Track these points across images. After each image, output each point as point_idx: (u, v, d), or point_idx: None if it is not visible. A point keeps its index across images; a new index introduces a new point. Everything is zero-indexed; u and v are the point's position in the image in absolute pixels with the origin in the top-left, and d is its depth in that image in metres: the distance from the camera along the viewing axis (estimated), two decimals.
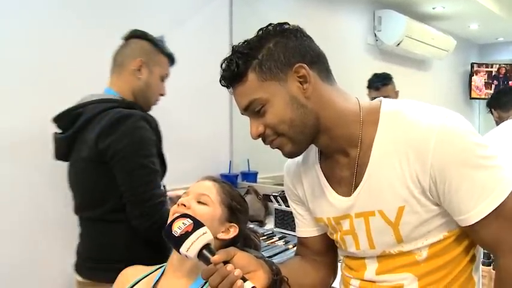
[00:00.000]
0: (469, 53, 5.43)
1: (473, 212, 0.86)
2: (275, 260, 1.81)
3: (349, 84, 3.60)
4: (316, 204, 1.05)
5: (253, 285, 0.88)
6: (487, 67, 5.15)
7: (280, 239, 2.10)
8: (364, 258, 1.01)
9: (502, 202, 0.85)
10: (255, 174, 2.89)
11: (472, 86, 5.20)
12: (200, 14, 2.71)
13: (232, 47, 0.95)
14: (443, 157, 0.85)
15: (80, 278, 1.56)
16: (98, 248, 1.53)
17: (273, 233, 2.21)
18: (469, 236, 0.94)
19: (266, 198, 2.44)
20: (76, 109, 1.56)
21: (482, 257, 1.14)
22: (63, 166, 1.64)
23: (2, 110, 1.92)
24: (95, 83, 1.64)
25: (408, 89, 2.93)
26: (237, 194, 1.30)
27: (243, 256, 0.94)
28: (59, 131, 1.63)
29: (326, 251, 1.13)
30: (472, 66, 5.21)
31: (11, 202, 1.95)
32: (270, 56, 0.91)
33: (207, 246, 0.95)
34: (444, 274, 0.94)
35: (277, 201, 2.27)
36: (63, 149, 1.60)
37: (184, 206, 1.19)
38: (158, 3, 2.49)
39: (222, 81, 0.96)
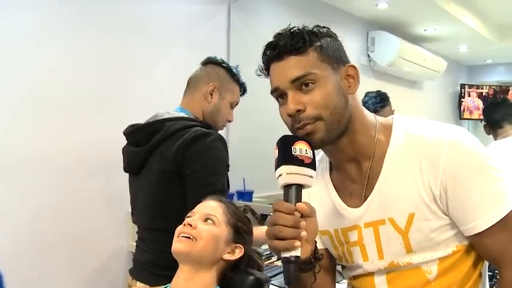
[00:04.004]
0: (458, 74, 5.53)
1: (481, 220, 0.89)
2: (275, 281, 1.80)
3: None
4: (323, 216, 1.04)
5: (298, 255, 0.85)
6: (477, 88, 5.24)
7: (279, 259, 2.06)
8: (373, 276, 1.01)
9: (510, 212, 0.89)
10: (251, 193, 2.87)
11: (463, 107, 5.26)
12: (198, 34, 2.73)
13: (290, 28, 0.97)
14: (455, 164, 0.89)
15: (139, 284, 1.63)
16: (161, 256, 1.57)
17: (271, 253, 2.18)
18: (475, 252, 0.96)
19: (264, 217, 2.41)
20: (154, 124, 1.64)
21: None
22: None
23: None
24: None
25: (401, 108, 2.95)
26: (243, 214, 1.30)
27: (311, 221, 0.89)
28: (130, 145, 1.71)
29: (326, 266, 1.11)
30: (462, 87, 5.29)
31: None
32: (329, 46, 0.96)
33: (300, 187, 0.87)
34: None
35: None
36: (138, 162, 1.66)
37: (191, 226, 1.18)
38: (156, 18, 2.51)
39: (271, 50, 0.96)
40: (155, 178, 1.60)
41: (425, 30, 4.15)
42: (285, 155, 0.86)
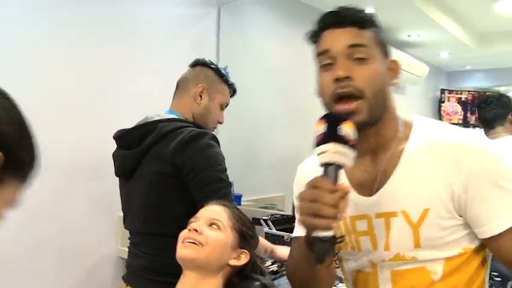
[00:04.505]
0: (439, 79, 5.63)
1: (498, 221, 0.90)
2: None
3: None
4: None
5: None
6: (456, 93, 5.34)
7: (272, 263, 2.06)
8: (376, 274, 1.00)
9: None
10: (239, 197, 2.85)
11: (443, 112, 5.36)
12: (188, 37, 2.71)
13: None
14: (478, 166, 0.91)
15: None
16: (155, 261, 1.55)
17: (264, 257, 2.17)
18: (481, 257, 0.97)
19: (255, 222, 2.40)
20: (145, 126, 1.61)
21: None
22: None
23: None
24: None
25: None
26: (247, 219, 1.28)
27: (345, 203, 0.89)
28: (121, 148, 1.68)
29: None
30: (442, 92, 5.39)
31: None
32: (383, 35, 0.99)
33: (339, 167, 0.86)
34: None
35: (268, 225, 2.24)
36: (130, 165, 1.62)
37: (196, 231, 1.15)
38: (146, 26, 2.48)
39: (332, 17, 0.97)
40: (150, 180, 1.57)
41: (409, 36, 4.21)
42: (334, 133, 0.84)
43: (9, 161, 0.66)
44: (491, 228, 0.91)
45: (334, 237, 0.83)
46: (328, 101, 0.96)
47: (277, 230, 2.17)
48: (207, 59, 1.79)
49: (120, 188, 1.75)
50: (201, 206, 1.45)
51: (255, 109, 3.00)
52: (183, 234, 1.18)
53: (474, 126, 5.02)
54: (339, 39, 0.94)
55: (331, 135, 0.84)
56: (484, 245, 0.97)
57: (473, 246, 0.96)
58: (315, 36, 1.00)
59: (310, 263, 0.92)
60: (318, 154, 0.85)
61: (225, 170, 1.56)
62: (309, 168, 1.12)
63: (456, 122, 5.21)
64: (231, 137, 2.89)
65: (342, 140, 0.84)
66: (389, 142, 1.00)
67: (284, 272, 1.92)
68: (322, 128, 0.86)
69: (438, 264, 0.95)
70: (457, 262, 0.95)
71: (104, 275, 2.29)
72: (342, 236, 0.87)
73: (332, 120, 0.86)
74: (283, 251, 1.78)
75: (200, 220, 1.20)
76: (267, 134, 3.22)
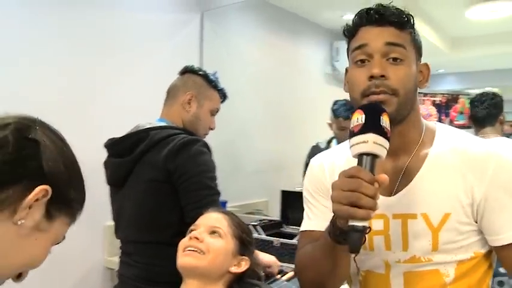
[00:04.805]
0: None
1: None
2: None
3: (308, 110, 3.71)
4: None
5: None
6: (431, 96, 5.46)
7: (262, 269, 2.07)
8: (388, 274, 1.01)
9: None
10: (225, 203, 2.85)
11: None
12: (171, 43, 2.71)
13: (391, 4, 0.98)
14: (502, 177, 0.94)
15: None
16: (148, 270, 1.54)
17: None
18: (488, 262, 1.00)
19: None
20: (137, 134, 1.60)
21: None
22: None
23: None
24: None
25: None
26: (246, 226, 1.30)
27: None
28: (113, 156, 1.66)
29: None
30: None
31: None
32: (418, 37, 1.00)
33: (375, 158, 0.84)
34: None
35: (257, 231, 2.25)
36: (122, 173, 1.61)
37: (197, 239, 1.16)
38: (128, 32, 2.47)
39: (373, 14, 0.96)
40: (143, 188, 1.56)
41: None
42: (375, 123, 0.84)
43: (58, 197, 0.69)
44: (505, 237, 0.94)
45: (367, 228, 0.81)
46: (358, 96, 0.95)
47: (266, 235, 2.19)
48: (195, 66, 1.79)
49: (110, 197, 1.73)
50: (188, 211, 1.46)
51: (238, 115, 3.01)
52: (184, 242, 1.18)
53: None
54: (379, 36, 0.94)
55: (372, 126, 0.83)
56: (491, 250, 1.00)
57: (483, 251, 0.99)
58: (351, 31, 1.00)
59: (333, 254, 0.92)
60: (355, 144, 0.84)
61: (215, 178, 1.56)
62: (325, 163, 1.12)
63: None
64: (214, 142, 2.88)
65: (382, 131, 0.83)
66: (412, 144, 1.00)
67: (273, 278, 1.93)
68: (360, 118, 0.85)
69: (451, 267, 0.97)
70: (468, 266, 0.97)
71: (91, 285, 2.26)
72: (369, 227, 0.84)
73: (372, 111, 0.86)
74: (266, 257, 1.78)
75: (201, 228, 1.20)
76: (250, 140, 3.23)
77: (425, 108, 5.49)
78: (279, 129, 3.41)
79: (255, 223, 2.28)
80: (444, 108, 5.52)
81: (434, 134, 1.02)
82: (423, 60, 1.02)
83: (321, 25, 3.81)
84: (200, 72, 1.76)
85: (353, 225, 0.81)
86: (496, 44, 4.28)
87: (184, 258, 1.16)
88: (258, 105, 3.29)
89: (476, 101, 2.52)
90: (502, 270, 1.53)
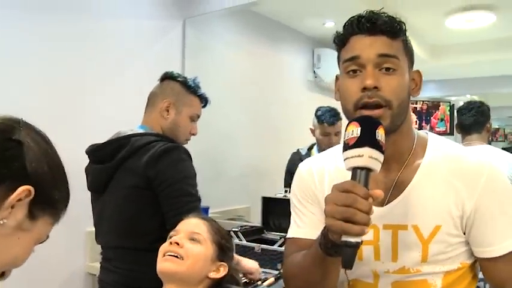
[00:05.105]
0: None
1: (500, 245, 0.94)
2: None
3: (290, 117, 3.73)
4: None
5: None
6: (412, 103, 5.56)
7: (244, 274, 2.08)
8: (377, 286, 1.01)
9: None
10: (207, 209, 2.86)
11: None
12: (153, 50, 2.72)
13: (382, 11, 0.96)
14: (492, 190, 0.94)
15: None
16: (128, 276, 1.55)
17: None
18: (473, 272, 1.01)
19: None
20: (118, 141, 1.60)
21: None
22: None
23: None
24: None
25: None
26: (225, 231, 1.31)
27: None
28: (94, 163, 1.66)
29: None
30: None
31: None
32: (410, 44, 0.99)
33: (369, 172, 0.82)
34: None
35: (238, 237, 2.27)
36: (103, 179, 1.62)
37: (178, 244, 1.17)
38: (110, 39, 2.47)
39: (364, 22, 0.93)
40: (124, 194, 1.57)
41: None
42: (371, 137, 0.82)
43: (41, 197, 0.70)
44: (492, 250, 0.94)
45: (360, 243, 0.79)
46: (351, 108, 0.94)
47: (247, 241, 2.21)
48: (175, 72, 1.78)
49: (92, 202, 1.73)
50: (169, 218, 1.47)
51: (219, 121, 3.03)
52: (164, 247, 1.19)
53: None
54: (371, 47, 0.92)
55: (368, 139, 0.82)
56: (476, 261, 1.00)
57: (470, 262, 0.99)
58: (341, 40, 0.97)
59: (324, 265, 0.91)
60: (350, 157, 0.82)
61: (196, 185, 1.57)
62: (314, 168, 1.10)
63: None
64: (195, 148, 2.89)
65: (377, 145, 0.82)
66: (403, 154, 1.00)
67: (254, 284, 1.94)
68: (356, 130, 0.83)
69: (438, 278, 0.97)
70: (454, 276, 0.98)
71: None
72: (362, 241, 0.82)
73: (368, 124, 0.84)
74: (249, 263, 1.79)
75: (181, 233, 1.22)
76: (233, 146, 3.25)
77: None
78: (261, 136, 3.44)
79: (236, 229, 2.30)
80: (425, 115, 5.62)
81: (426, 144, 1.01)
82: None
83: (303, 32, 3.86)
84: (179, 79, 1.75)
85: (346, 241, 0.79)
86: (474, 52, 4.36)
87: (163, 264, 1.17)
88: (241, 112, 3.31)
89: (464, 109, 2.55)
90: None
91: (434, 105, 5.50)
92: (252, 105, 3.39)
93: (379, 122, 0.86)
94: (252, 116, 3.39)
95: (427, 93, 5.73)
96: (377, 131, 0.83)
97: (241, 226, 2.30)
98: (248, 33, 3.33)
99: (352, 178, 0.82)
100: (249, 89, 3.35)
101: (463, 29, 3.83)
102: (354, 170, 0.82)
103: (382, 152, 0.82)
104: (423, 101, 5.55)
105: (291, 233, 1.12)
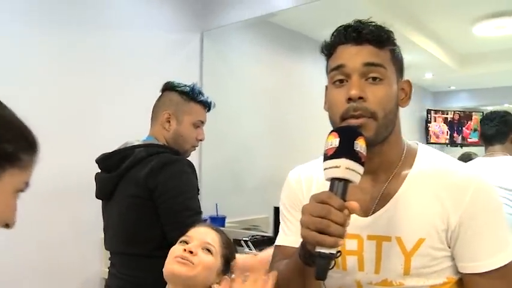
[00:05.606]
0: (424, 100, 5.70)
1: (487, 261, 0.91)
2: None
3: (309, 127, 3.69)
4: None
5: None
6: (442, 113, 5.41)
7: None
8: None
9: (510, 262, 0.91)
10: (223, 218, 2.90)
11: (430, 132, 5.42)
12: (171, 63, 2.78)
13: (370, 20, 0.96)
14: (478, 205, 0.92)
15: None
16: (131, 282, 1.59)
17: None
18: (460, 286, 0.97)
19: (236, 242, 2.43)
20: (124, 151, 1.66)
21: None
22: None
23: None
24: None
25: None
26: (233, 245, 1.32)
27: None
28: (102, 171, 1.72)
29: None
30: (428, 113, 5.46)
31: None
32: (399, 54, 0.99)
33: (347, 184, 0.82)
34: None
35: (248, 246, 2.27)
36: (109, 188, 1.67)
37: (191, 253, 1.17)
38: (129, 52, 2.55)
39: (350, 32, 0.94)
40: (127, 203, 1.62)
41: None
42: (349, 148, 0.82)
43: None
44: (476, 266, 0.92)
45: (335, 254, 0.80)
46: (337, 119, 0.94)
47: (257, 251, 2.20)
48: (174, 82, 1.80)
49: (102, 210, 1.80)
50: (168, 231, 1.49)
51: (239, 132, 3.06)
52: (177, 251, 1.19)
53: (461, 145, 5.08)
54: (357, 56, 0.92)
55: (345, 150, 0.82)
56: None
57: (457, 277, 0.97)
58: (328, 50, 0.99)
59: (304, 274, 0.91)
60: (328, 168, 0.82)
61: (196, 197, 1.59)
62: (303, 176, 1.11)
63: (443, 141, 5.26)
64: (215, 160, 2.95)
65: (355, 156, 0.81)
66: (392, 164, 0.99)
67: None
68: (335, 141, 0.83)
69: None
70: None
71: None
72: (339, 251, 0.81)
73: (346, 135, 0.84)
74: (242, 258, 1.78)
75: (194, 241, 1.21)
76: (251, 157, 3.27)
77: (437, 125, 5.43)
78: (280, 146, 3.44)
79: (246, 238, 2.31)
80: (457, 125, 5.45)
81: (415, 155, 1.00)
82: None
83: (321, 42, 3.82)
84: (177, 88, 1.77)
85: (320, 252, 0.79)
86: (506, 60, 4.22)
87: (174, 265, 1.17)
88: (260, 123, 3.33)
89: (486, 119, 2.48)
90: None
91: (466, 115, 5.33)
92: (271, 116, 3.40)
93: (360, 133, 0.85)
94: (271, 126, 3.40)
95: (458, 103, 5.57)
96: (356, 142, 0.82)
97: (252, 236, 2.31)
98: (266, 44, 3.35)
99: (330, 189, 0.82)
100: (267, 100, 3.36)
101: (492, 37, 3.72)
102: (332, 180, 0.82)
103: (361, 163, 0.82)
104: (455, 111, 5.39)
105: (278, 241, 1.13)
